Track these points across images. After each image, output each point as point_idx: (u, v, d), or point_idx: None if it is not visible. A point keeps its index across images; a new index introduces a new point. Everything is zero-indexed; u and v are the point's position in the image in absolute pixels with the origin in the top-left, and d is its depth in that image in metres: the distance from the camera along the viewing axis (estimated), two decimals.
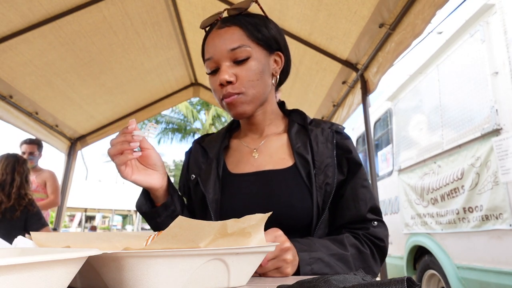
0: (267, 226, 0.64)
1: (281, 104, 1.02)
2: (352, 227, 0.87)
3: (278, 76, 0.94)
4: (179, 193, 0.97)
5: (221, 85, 0.85)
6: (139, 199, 0.90)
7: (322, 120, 0.98)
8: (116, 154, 0.77)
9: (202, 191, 0.90)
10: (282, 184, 0.86)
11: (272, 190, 0.86)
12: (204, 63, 0.92)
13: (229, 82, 0.84)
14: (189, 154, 1.03)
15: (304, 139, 0.91)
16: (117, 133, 0.79)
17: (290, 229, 0.80)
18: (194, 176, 0.95)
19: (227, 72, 0.84)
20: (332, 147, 0.89)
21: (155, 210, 0.87)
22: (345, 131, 0.95)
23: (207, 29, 0.94)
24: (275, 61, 0.92)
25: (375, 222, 0.87)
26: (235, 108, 0.86)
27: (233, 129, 1.05)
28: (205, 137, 1.05)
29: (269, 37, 0.89)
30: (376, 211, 0.89)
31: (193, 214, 0.96)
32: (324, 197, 0.84)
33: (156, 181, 0.84)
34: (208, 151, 0.97)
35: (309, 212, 0.83)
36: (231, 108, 0.86)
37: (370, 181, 2.64)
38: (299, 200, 0.83)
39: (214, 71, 0.88)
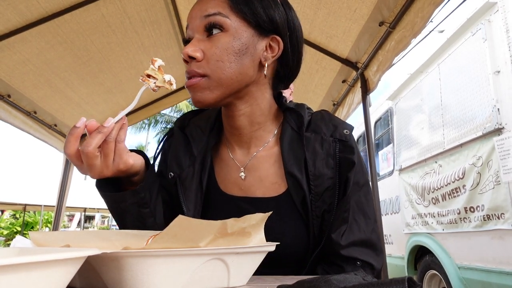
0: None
1: (277, 96, 0.83)
2: (326, 267, 0.72)
3: (281, 70, 0.77)
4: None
5: (186, 61, 0.70)
6: (100, 180, 0.69)
7: (324, 119, 0.79)
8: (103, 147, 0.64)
9: (180, 197, 0.76)
10: (274, 216, 0.70)
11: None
12: None
13: (193, 58, 0.69)
14: (169, 142, 0.85)
15: (298, 154, 0.75)
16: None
17: (281, 263, 0.70)
18: (172, 174, 0.78)
19: (193, 45, 0.69)
20: (334, 163, 0.73)
21: (122, 195, 0.68)
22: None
23: None
24: (270, 47, 0.73)
25: (359, 262, 0.69)
26: (194, 94, 0.70)
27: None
28: (189, 119, 0.85)
29: (261, 14, 0.71)
30: (366, 245, 0.71)
31: (166, 204, 0.80)
32: (322, 226, 0.72)
33: (142, 161, 0.70)
34: (193, 145, 0.80)
35: (304, 246, 0.72)
36: (190, 92, 0.71)
37: (369, 183, 2.62)
38: (292, 236, 0.72)
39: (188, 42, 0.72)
